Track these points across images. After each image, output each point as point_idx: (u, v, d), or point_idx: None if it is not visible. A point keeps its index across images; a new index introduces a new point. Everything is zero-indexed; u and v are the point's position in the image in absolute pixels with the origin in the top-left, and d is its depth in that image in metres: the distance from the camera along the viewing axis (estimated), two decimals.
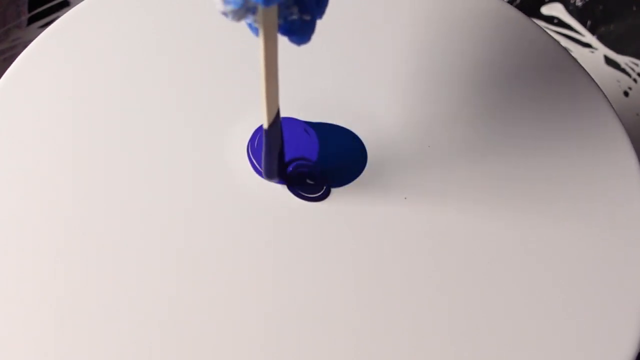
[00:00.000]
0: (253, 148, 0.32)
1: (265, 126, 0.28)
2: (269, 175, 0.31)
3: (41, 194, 0.31)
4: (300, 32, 0.24)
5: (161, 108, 0.33)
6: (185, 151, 0.32)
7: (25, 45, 0.46)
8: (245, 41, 0.35)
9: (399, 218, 0.31)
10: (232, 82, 0.34)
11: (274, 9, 0.23)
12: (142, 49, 0.34)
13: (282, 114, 0.33)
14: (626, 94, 0.50)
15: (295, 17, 0.24)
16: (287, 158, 0.32)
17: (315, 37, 0.26)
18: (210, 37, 0.35)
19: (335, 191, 0.32)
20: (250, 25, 0.24)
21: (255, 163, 0.32)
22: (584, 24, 0.52)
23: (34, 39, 0.34)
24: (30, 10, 0.50)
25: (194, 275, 0.29)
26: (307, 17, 0.24)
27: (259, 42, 0.24)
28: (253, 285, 0.29)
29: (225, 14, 0.22)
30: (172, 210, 0.31)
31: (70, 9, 0.35)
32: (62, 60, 0.34)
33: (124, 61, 0.34)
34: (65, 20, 0.35)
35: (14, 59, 0.34)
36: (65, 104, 0.33)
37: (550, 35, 0.36)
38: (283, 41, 0.27)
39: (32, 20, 0.50)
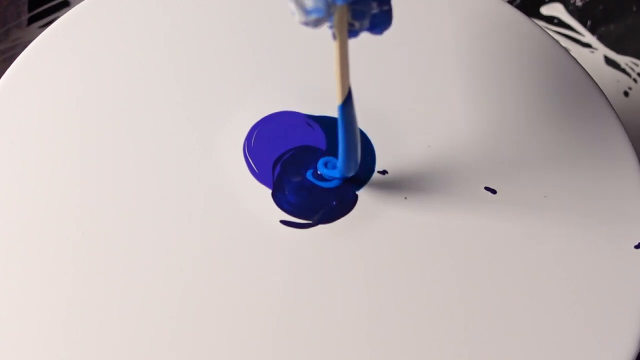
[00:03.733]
0: (250, 147, 0.32)
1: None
2: (348, 170, 0.31)
3: (40, 194, 0.31)
4: (383, 22, 0.26)
5: (160, 107, 0.33)
6: (181, 150, 0.32)
7: (25, 45, 0.46)
8: (243, 40, 0.35)
9: (398, 218, 0.31)
10: (232, 81, 0.34)
11: (344, 9, 0.25)
12: (142, 49, 0.34)
13: (283, 108, 0.33)
14: (626, 94, 0.50)
15: (375, 10, 0.26)
16: (290, 146, 0.32)
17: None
18: (210, 37, 0.35)
19: None
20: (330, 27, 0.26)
21: (251, 162, 0.32)
22: (584, 24, 0.52)
23: (34, 39, 0.34)
24: (30, 10, 0.50)
25: (189, 277, 0.29)
26: (386, 7, 0.26)
27: (335, 43, 0.26)
28: (250, 288, 0.29)
29: (307, 23, 0.24)
30: (168, 211, 0.31)
31: (70, 9, 0.35)
32: (62, 60, 0.34)
33: (123, 61, 0.34)
34: (65, 20, 0.35)
35: (14, 59, 0.34)
36: (65, 104, 0.33)
37: (550, 35, 0.36)
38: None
39: (32, 20, 0.50)
